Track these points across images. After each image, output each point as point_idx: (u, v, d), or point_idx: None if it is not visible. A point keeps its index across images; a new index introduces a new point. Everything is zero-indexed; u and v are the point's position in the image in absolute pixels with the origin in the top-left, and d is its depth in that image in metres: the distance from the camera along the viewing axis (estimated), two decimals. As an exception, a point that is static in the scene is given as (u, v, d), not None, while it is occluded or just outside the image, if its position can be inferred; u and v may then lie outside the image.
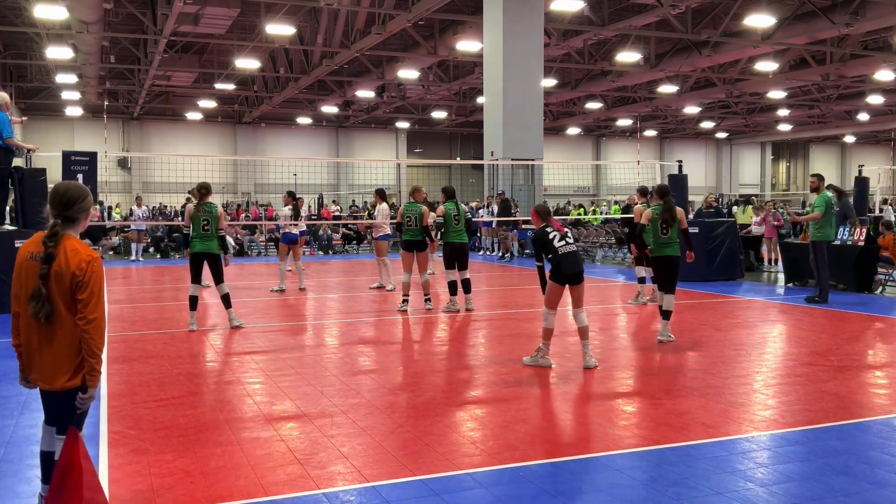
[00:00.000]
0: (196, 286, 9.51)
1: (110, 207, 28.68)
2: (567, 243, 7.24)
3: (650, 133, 50.63)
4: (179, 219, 26.55)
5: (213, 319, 10.42)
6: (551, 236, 7.23)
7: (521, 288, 14.37)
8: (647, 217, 8.53)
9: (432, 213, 11.54)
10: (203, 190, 9.48)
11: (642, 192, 10.42)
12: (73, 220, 3.59)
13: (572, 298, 7.36)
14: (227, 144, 42.31)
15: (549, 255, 7.23)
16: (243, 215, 28.94)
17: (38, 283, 3.43)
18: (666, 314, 8.47)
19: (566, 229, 7.35)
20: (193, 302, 9.48)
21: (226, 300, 9.55)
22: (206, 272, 9.60)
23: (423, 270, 11.33)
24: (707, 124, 45.70)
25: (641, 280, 11.74)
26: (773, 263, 16.74)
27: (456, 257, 10.95)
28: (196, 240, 9.38)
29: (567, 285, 7.22)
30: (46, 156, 14.89)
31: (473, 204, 26.87)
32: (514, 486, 4.28)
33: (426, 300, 11.20)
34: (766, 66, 27.40)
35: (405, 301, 11.05)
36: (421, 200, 11.36)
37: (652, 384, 6.66)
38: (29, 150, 11.71)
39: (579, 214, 28.36)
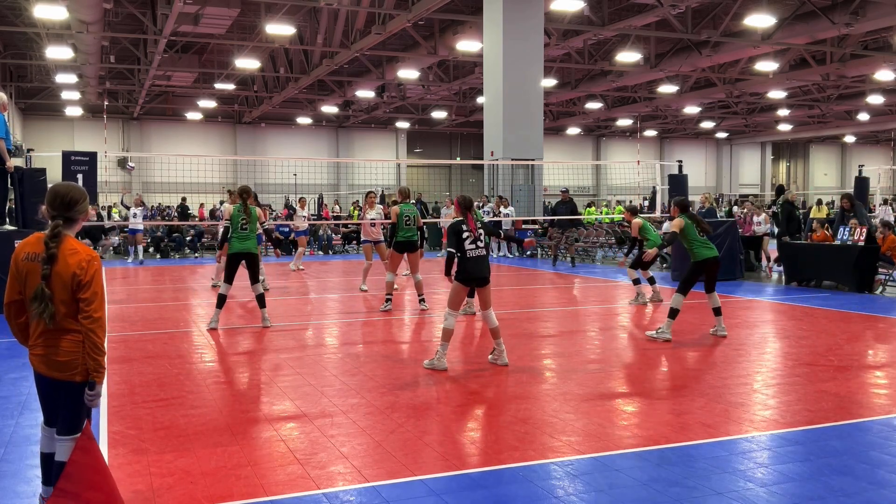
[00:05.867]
0: (227, 286, 9.50)
1: (110, 207, 28.68)
2: (477, 247, 7.21)
3: (650, 133, 50.63)
4: (177, 218, 26.54)
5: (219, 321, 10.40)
6: (464, 235, 7.18)
7: (524, 288, 14.36)
8: (679, 226, 8.70)
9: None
10: (244, 194, 9.57)
11: (682, 206, 9.38)
12: (74, 220, 3.62)
13: (480, 300, 7.40)
14: (227, 144, 42.32)
15: (458, 254, 7.17)
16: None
17: (41, 283, 3.44)
18: (718, 310, 8.80)
19: (480, 231, 7.30)
20: (222, 300, 9.48)
21: (260, 300, 9.58)
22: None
23: (416, 271, 11.33)
24: (707, 124, 45.70)
25: (636, 282, 11.83)
26: (769, 262, 16.73)
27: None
28: (235, 240, 9.40)
29: (474, 287, 7.26)
30: (46, 156, 14.92)
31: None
32: (514, 486, 4.28)
33: (420, 300, 11.19)
34: (766, 66, 27.40)
35: (388, 301, 11.06)
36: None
37: (652, 384, 6.66)
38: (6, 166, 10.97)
39: (590, 214, 28.17)
